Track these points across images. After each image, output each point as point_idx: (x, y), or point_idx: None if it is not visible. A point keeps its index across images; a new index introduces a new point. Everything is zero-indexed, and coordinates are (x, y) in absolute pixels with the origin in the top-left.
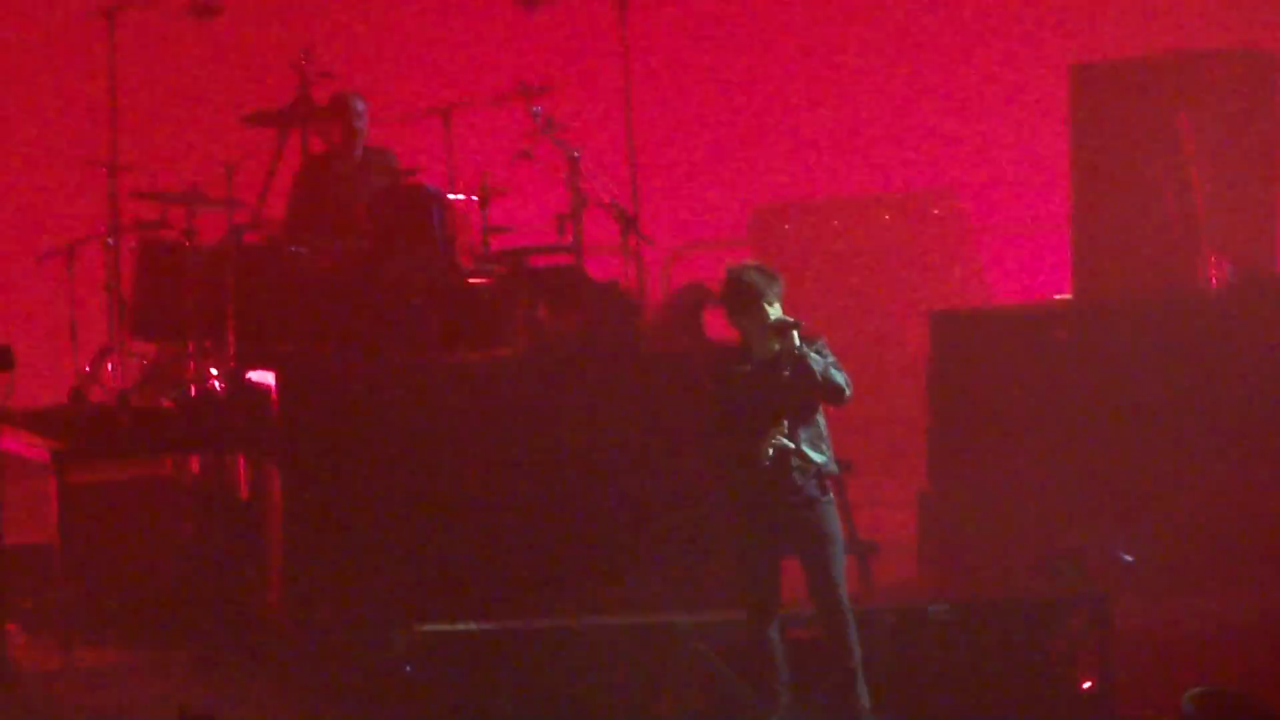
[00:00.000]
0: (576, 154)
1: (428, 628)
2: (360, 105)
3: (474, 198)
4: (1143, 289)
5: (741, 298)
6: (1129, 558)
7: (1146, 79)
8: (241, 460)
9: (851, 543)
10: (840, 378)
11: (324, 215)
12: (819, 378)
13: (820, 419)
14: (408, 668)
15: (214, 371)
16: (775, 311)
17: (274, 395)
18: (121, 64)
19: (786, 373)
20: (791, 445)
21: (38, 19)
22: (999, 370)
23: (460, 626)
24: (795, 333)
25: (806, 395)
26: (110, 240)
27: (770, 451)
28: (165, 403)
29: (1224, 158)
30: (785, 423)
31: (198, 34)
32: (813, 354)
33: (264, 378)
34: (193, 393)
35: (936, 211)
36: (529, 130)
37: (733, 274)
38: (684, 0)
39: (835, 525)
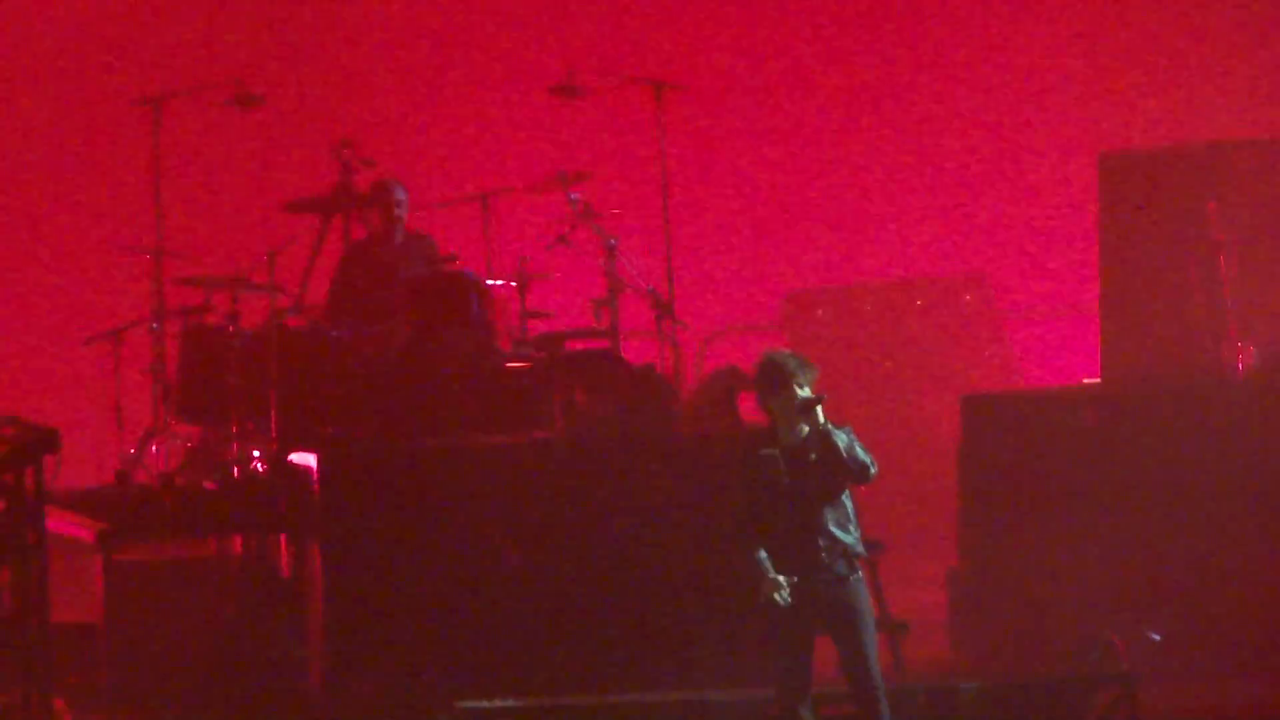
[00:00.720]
0: (613, 241)
1: (468, 704)
2: (400, 193)
3: (512, 283)
4: (1170, 374)
5: (773, 379)
6: (1157, 636)
7: (1175, 168)
8: (283, 540)
9: (883, 621)
10: (865, 456)
11: (365, 300)
12: (844, 454)
13: (848, 501)
14: None
15: (256, 453)
16: (806, 394)
17: (315, 477)
18: (166, 152)
19: (813, 456)
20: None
21: (85, 108)
22: (1029, 452)
23: (500, 703)
24: (819, 408)
25: (833, 478)
26: (155, 325)
27: (786, 594)
28: (209, 484)
29: (1251, 246)
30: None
31: (241, 123)
32: (839, 431)
33: (305, 460)
34: (236, 474)
35: (968, 297)
36: (567, 217)
37: (767, 357)
38: (718, 90)
39: (866, 603)
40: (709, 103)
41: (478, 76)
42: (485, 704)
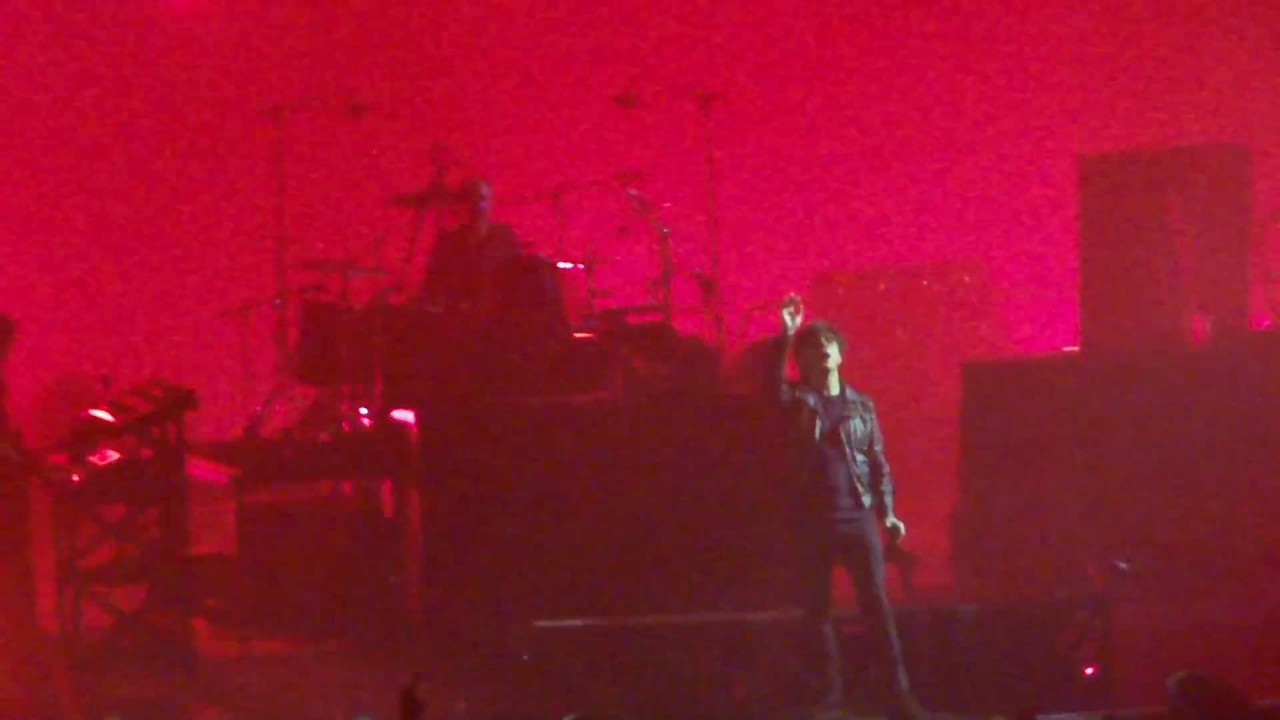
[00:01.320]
0: (666, 230)
1: (541, 624)
2: (485, 189)
3: (580, 266)
4: (1138, 343)
5: (807, 339)
6: (1125, 565)
7: (1143, 168)
8: (387, 485)
9: (894, 554)
10: (879, 448)
11: (455, 281)
12: (868, 446)
13: (870, 461)
14: (524, 656)
15: (364, 411)
16: (833, 352)
17: (414, 431)
18: (287, 154)
19: (858, 426)
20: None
21: (219, 117)
22: (1018, 411)
23: (568, 623)
24: (836, 373)
25: (856, 432)
26: (278, 301)
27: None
28: (323, 437)
29: (1206, 233)
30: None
31: (350, 129)
32: (858, 420)
33: (405, 416)
34: (346, 429)
35: (967, 278)
36: (626, 210)
37: (807, 323)
38: (757, 98)
39: (875, 538)
40: (749, 109)
41: (551, 88)
42: (555, 623)
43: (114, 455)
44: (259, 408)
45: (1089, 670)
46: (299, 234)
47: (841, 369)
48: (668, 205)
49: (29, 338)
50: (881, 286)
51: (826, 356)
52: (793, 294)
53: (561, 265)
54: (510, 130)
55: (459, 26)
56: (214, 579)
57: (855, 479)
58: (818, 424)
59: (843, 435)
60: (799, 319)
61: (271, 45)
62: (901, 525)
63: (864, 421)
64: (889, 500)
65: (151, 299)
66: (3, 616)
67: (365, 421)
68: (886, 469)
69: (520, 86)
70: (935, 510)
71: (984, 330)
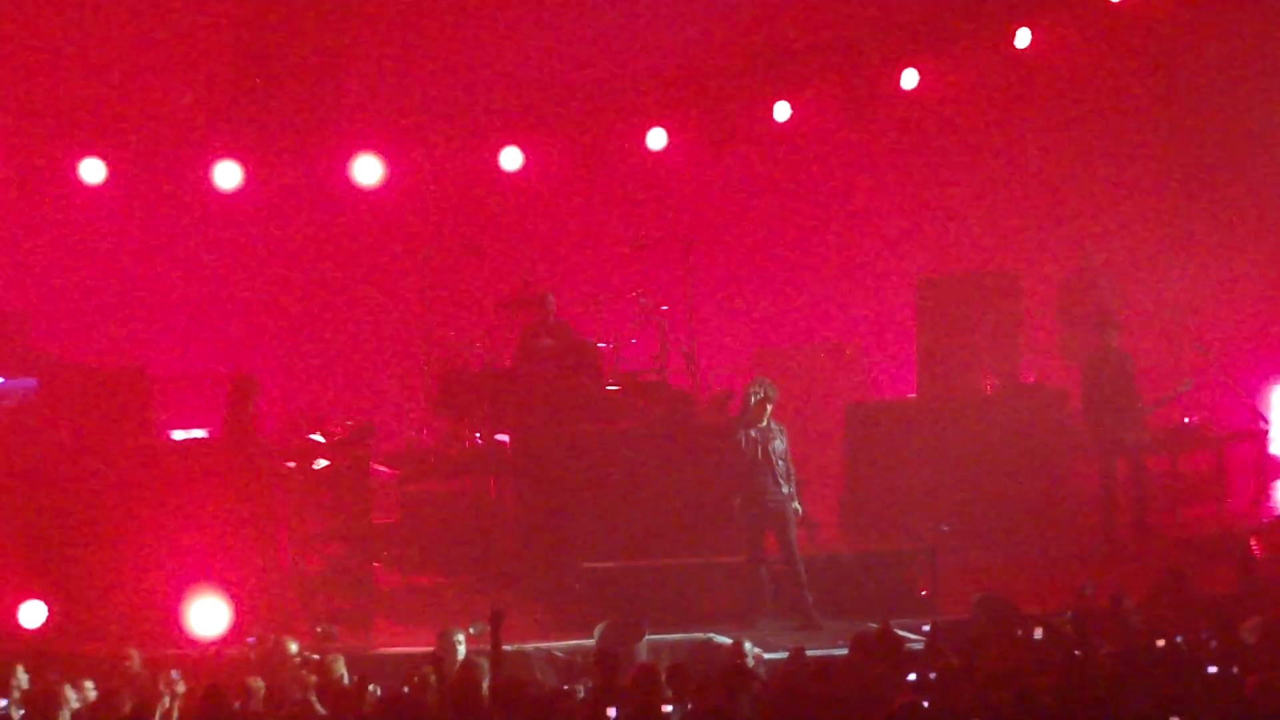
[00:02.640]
0: (664, 323)
1: (587, 565)
2: (551, 300)
3: (610, 345)
4: (953, 391)
5: (749, 392)
6: (946, 528)
7: (956, 284)
8: (492, 480)
9: (804, 522)
10: (785, 454)
11: (534, 355)
12: (783, 461)
13: (785, 459)
14: (576, 585)
15: (478, 434)
16: (763, 408)
17: (508, 447)
18: (432, 273)
19: (777, 444)
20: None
21: (398, 255)
22: (882, 433)
23: (603, 564)
24: (770, 409)
25: (777, 449)
26: (425, 366)
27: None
28: (453, 450)
29: (994, 324)
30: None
31: (472, 262)
32: (779, 430)
33: (503, 438)
34: (468, 445)
35: (848, 353)
36: (640, 311)
37: (752, 381)
38: (720, 242)
39: (791, 512)
40: (715, 248)
41: (590, 234)
42: (595, 564)
43: (324, 463)
44: (414, 432)
45: (924, 592)
46: (442, 324)
47: (774, 408)
48: (664, 308)
49: (271, 389)
50: (798, 358)
51: (765, 403)
52: (762, 377)
53: (600, 345)
54: (564, 262)
55: (531, 198)
56: (386, 538)
57: (780, 476)
58: (756, 447)
59: (770, 451)
60: (759, 396)
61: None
62: (800, 507)
63: (781, 441)
64: (794, 489)
65: (351, 361)
66: (263, 561)
67: (479, 441)
68: (793, 471)
69: (567, 235)
70: (831, 494)
71: (858, 384)
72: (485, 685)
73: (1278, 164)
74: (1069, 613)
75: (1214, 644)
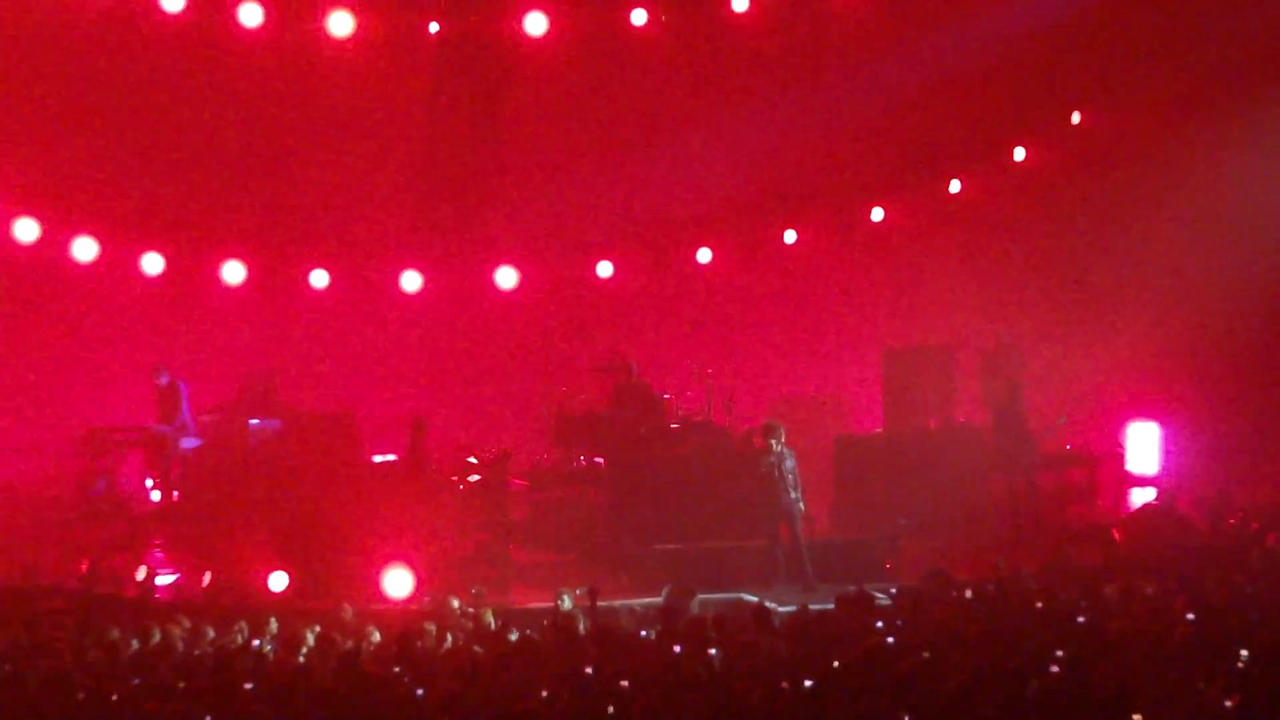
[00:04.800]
0: (710, 382)
1: (658, 546)
2: (634, 367)
3: (671, 396)
4: (907, 428)
5: (766, 428)
6: (904, 521)
7: (914, 354)
8: (591, 489)
9: (805, 518)
10: (794, 471)
11: (622, 404)
12: (793, 476)
13: (794, 478)
14: (650, 561)
15: (583, 457)
16: (781, 436)
17: (604, 465)
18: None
19: (788, 464)
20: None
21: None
22: (860, 456)
23: (669, 546)
24: (782, 440)
25: (789, 470)
26: (544, 410)
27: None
28: (565, 469)
29: (933, 382)
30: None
31: (581, 345)
32: (789, 454)
33: (599, 460)
34: (576, 466)
35: (828, 403)
36: (692, 374)
37: (766, 421)
38: (755, 326)
39: (798, 512)
40: (747, 330)
41: (661, 325)
42: (664, 546)
43: (476, 477)
44: (538, 456)
45: (888, 566)
46: (558, 382)
47: (785, 439)
48: (710, 371)
49: (439, 427)
50: (802, 405)
51: (780, 439)
52: (775, 423)
53: (665, 396)
54: (642, 341)
55: (618, 297)
56: (519, 529)
57: (791, 485)
58: (774, 466)
59: (784, 468)
60: (779, 439)
61: (548, 305)
62: (803, 507)
63: (791, 461)
64: (800, 495)
65: (495, 407)
66: (434, 544)
67: (582, 462)
68: (799, 482)
69: (645, 323)
70: (825, 498)
71: (841, 422)
72: (582, 628)
73: (1132, 269)
74: (988, 581)
75: (1084, 602)
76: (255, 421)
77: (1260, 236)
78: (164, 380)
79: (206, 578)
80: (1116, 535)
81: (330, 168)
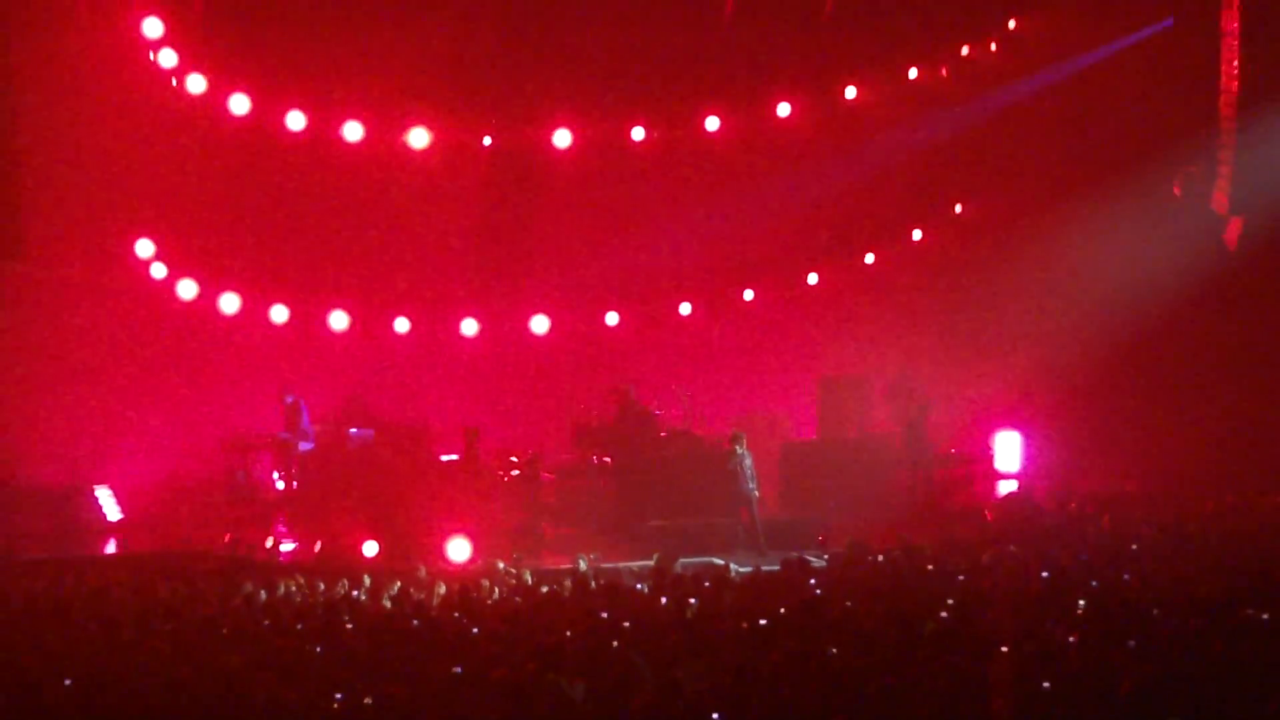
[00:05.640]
0: (689, 402)
1: (652, 523)
2: (633, 389)
3: (662, 412)
4: (835, 437)
5: (733, 437)
6: (833, 505)
7: (841, 385)
8: (603, 480)
9: (759, 502)
10: (751, 469)
11: (623, 419)
12: (750, 471)
13: (752, 472)
14: (645, 534)
15: (595, 458)
16: (743, 443)
17: (611, 463)
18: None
19: (747, 462)
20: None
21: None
22: (799, 457)
23: (660, 522)
24: (742, 446)
25: (749, 468)
26: (570, 423)
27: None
28: (584, 464)
29: (854, 401)
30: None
31: (595, 379)
32: (747, 456)
33: (607, 460)
34: (591, 463)
35: (771, 421)
36: (676, 395)
37: (733, 431)
38: (723, 364)
39: (755, 498)
40: (717, 365)
41: (649, 366)
42: (657, 522)
43: (516, 472)
44: (563, 456)
45: (820, 539)
46: (577, 405)
47: (746, 443)
48: (689, 394)
49: (490, 434)
50: (758, 419)
51: (742, 443)
52: (739, 432)
53: (657, 412)
54: (640, 375)
55: (619, 348)
56: (548, 510)
57: (749, 478)
58: (739, 463)
59: (746, 465)
60: (741, 444)
61: (572, 350)
62: (759, 494)
63: (749, 460)
64: (756, 485)
65: (532, 419)
66: (486, 521)
67: (596, 461)
68: (756, 475)
69: (641, 364)
70: (775, 488)
71: (787, 432)
72: (593, 584)
73: (999, 318)
74: (895, 549)
75: (965, 565)
76: (354, 430)
77: (1094, 293)
78: (289, 400)
79: (318, 546)
80: (988, 516)
81: (409, 243)
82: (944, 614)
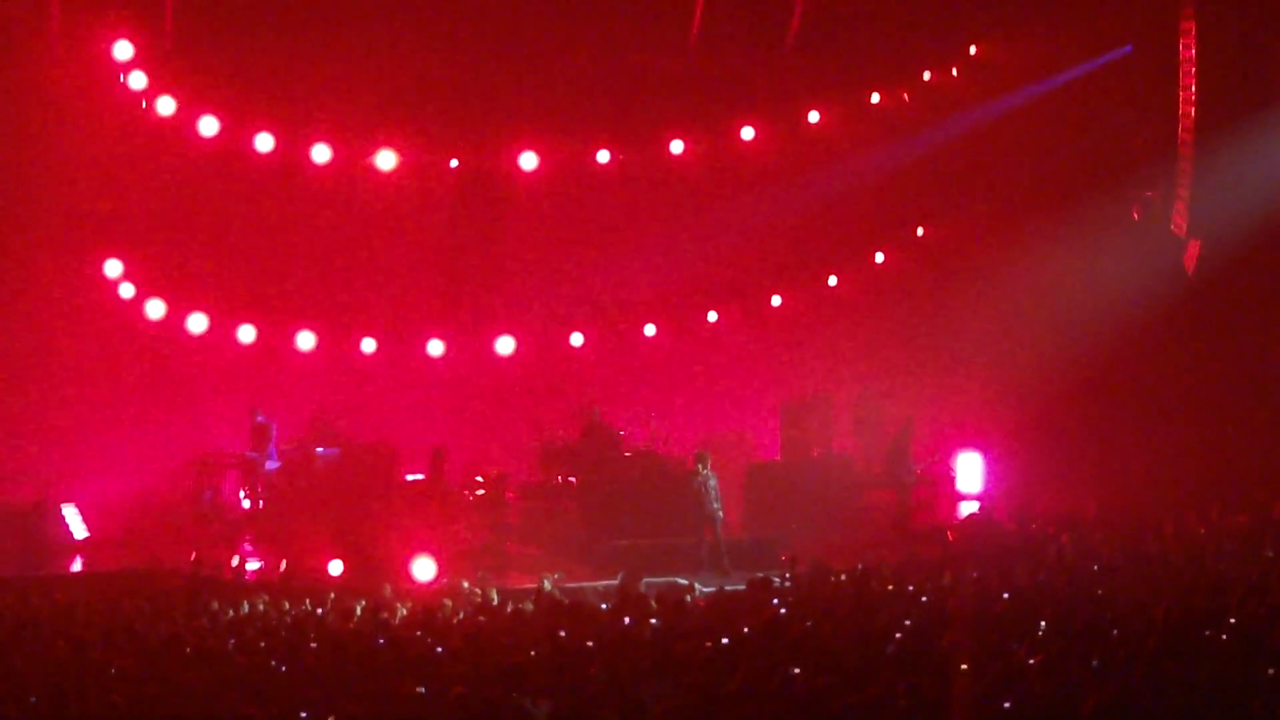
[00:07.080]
0: (654, 424)
1: (615, 543)
2: (598, 411)
3: (627, 433)
4: (798, 457)
5: (698, 457)
6: (795, 526)
7: (805, 407)
8: (567, 501)
9: (723, 523)
10: (715, 489)
11: (590, 438)
12: (715, 491)
13: (717, 492)
14: (608, 554)
15: (562, 477)
16: (707, 462)
17: (576, 482)
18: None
19: (711, 482)
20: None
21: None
22: (764, 477)
23: (623, 542)
24: (708, 466)
25: (714, 488)
26: (535, 444)
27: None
28: (554, 483)
29: (817, 423)
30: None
31: (564, 405)
32: (713, 477)
33: (572, 479)
34: (555, 483)
35: (738, 441)
36: (642, 418)
37: (697, 451)
38: (687, 386)
39: (719, 517)
40: (684, 388)
41: (615, 389)
42: (621, 541)
43: (482, 491)
44: (528, 476)
45: (784, 558)
46: (544, 425)
47: (711, 463)
48: (653, 415)
49: (456, 454)
50: (723, 440)
51: (706, 464)
52: (704, 452)
53: (621, 433)
54: (608, 397)
55: (587, 373)
56: (513, 530)
57: (714, 498)
58: (703, 484)
59: (709, 486)
60: (703, 459)
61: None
62: (722, 514)
63: (714, 481)
64: (720, 505)
65: (498, 440)
66: (451, 541)
67: (560, 481)
68: (720, 496)
69: (611, 387)
70: (738, 508)
71: (750, 453)
72: (558, 603)
73: (960, 341)
74: (857, 569)
75: (927, 585)
76: (320, 450)
77: (1055, 315)
78: (260, 419)
79: (283, 565)
80: (950, 536)
81: (377, 263)
82: (899, 634)
